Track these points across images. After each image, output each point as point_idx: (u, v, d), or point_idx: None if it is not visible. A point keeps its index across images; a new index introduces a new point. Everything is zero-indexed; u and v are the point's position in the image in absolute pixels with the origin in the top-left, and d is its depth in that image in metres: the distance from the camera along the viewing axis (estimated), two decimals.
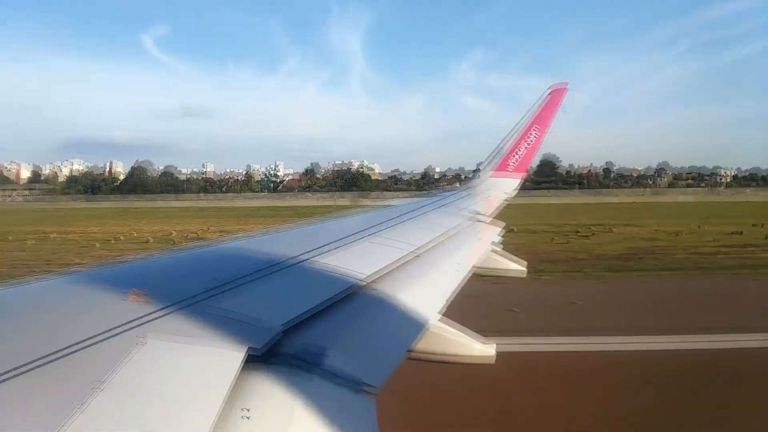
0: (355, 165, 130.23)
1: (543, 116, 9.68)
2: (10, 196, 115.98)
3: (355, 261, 3.12)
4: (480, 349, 2.87)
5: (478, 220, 5.83)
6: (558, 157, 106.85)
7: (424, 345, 2.66)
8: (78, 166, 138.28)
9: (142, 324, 1.85)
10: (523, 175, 9.37)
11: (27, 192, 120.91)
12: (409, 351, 2.42)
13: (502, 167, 9.12)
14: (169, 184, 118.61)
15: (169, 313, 1.98)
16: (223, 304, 2.14)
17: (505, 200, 8.26)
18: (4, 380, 1.36)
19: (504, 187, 8.72)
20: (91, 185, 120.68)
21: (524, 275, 5.04)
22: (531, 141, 9.53)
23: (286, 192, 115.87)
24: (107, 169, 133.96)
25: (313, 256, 3.08)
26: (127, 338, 1.72)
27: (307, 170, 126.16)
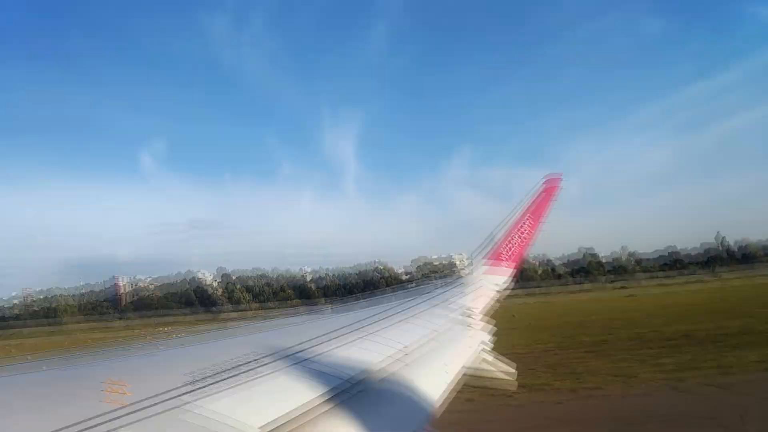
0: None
1: (537, 209, 9.71)
2: None
3: (342, 363, 3.12)
4: None
5: (469, 319, 5.83)
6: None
7: None
8: None
9: (116, 420, 1.83)
10: (515, 268, 9.30)
11: None
12: None
13: (495, 260, 9.08)
14: None
15: (145, 409, 1.96)
16: (201, 402, 2.13)
17: (497, 294, 8.22)
18: None
19: (496, 280, 8.69)
20: None
21: (515, 386, 4.93)
22: (525, 234, 9.52)
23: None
24: None
25: (299, 354, 3.07)
26: None
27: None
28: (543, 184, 10.02)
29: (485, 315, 6.62)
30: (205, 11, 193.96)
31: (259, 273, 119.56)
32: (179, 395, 2.16)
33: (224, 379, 2.44)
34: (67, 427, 1.72)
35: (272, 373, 2.69)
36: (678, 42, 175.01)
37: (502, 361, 5.06)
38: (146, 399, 2.05)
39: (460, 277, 8.58)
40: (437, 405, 3.14)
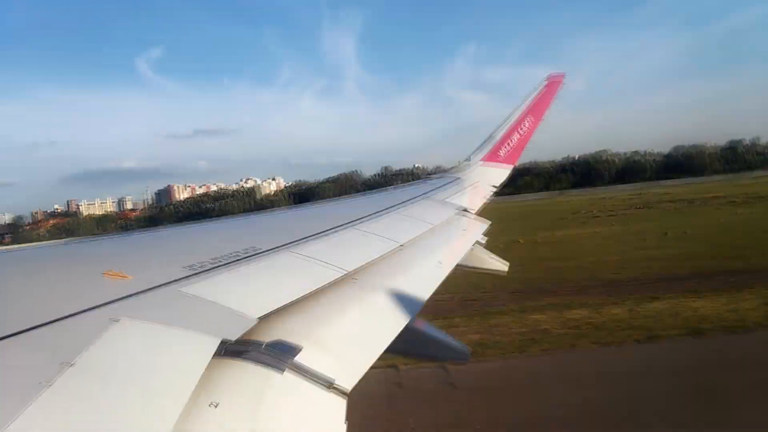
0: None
1: (538, 106, 9.49)
2: None
3: (338, 252, 3.12)
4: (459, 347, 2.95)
5: (464, 214, 5.83)
6: None
7: (402, 343, 2.69)
8: None
9: (116, 303, 1.85)
10: (513, 165, 9.25)
11: None
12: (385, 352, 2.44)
13: (493, 156, 8.98)
14: None
15: (144, 294, 1.98)
16: (199, 289, 2.15)
17: (493, 191, 8.20)
18: None
19: (493, 176, 8.62)
20: None
21: (505, 271, 5.14)
22: (524, 131, 9.37)
23: None
24: None
25: (295, 245, 3.06)
26: (101, 317, 1.72)
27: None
28: (545, 81, 9.74)
29: (480, 212, 6.63)
30: None
31: None
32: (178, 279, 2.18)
33: (222, 265, 2.45)
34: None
35: (267, 262, 2.69)
36: None
37: (495, 258, 5.15)
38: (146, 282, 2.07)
39: (458, 177, 8.47)
40: (428, 297, 3.18)
